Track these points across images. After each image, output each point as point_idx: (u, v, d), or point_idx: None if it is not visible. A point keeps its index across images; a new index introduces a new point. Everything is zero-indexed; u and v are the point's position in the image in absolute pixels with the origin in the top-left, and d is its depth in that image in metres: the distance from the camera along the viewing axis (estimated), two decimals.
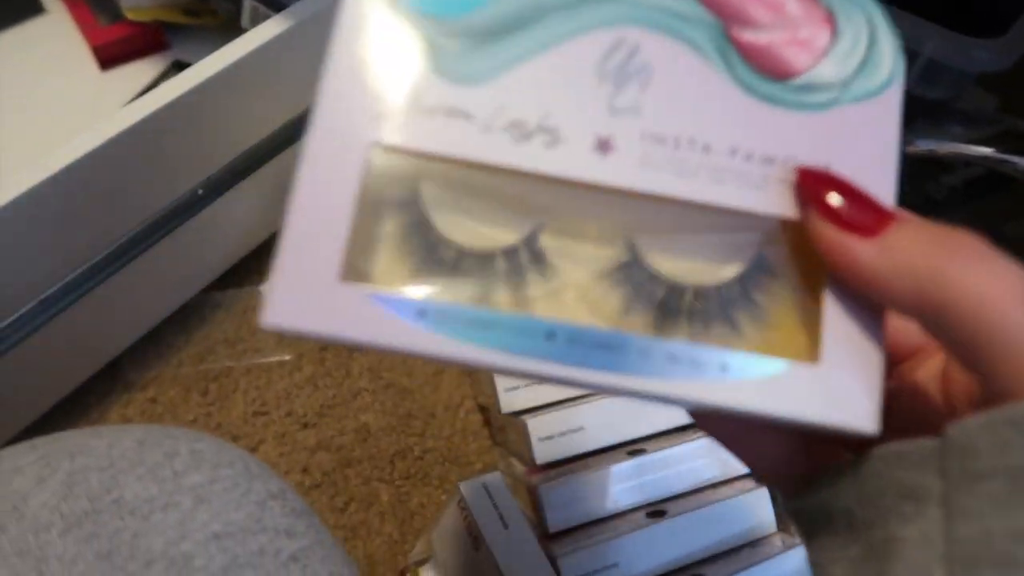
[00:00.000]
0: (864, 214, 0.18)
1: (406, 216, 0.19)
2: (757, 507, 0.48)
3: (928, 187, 0.60)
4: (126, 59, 0.68)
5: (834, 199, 0.19)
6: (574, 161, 0.19)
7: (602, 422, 0.50)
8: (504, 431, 0.56)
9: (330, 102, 0.19)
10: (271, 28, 0.51)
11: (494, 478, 0.48)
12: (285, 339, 0.62)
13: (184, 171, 0.52)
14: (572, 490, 0.48)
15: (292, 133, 0.56)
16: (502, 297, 0.19)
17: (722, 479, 0.50)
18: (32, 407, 0.57)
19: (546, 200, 0.20)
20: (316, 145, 0.19)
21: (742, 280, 0.20)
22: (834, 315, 0.19)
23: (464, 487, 0.47)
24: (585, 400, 0.52)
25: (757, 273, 0.20)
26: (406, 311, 0.18)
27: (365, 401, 0.61)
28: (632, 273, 0.20)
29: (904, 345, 0.21)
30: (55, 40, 0.68)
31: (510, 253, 0.19)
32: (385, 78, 0.19)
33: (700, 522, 0.47)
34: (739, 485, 0.49)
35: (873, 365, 0.19)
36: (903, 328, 0.21)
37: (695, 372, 0.19)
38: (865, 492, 0.18)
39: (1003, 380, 0.16)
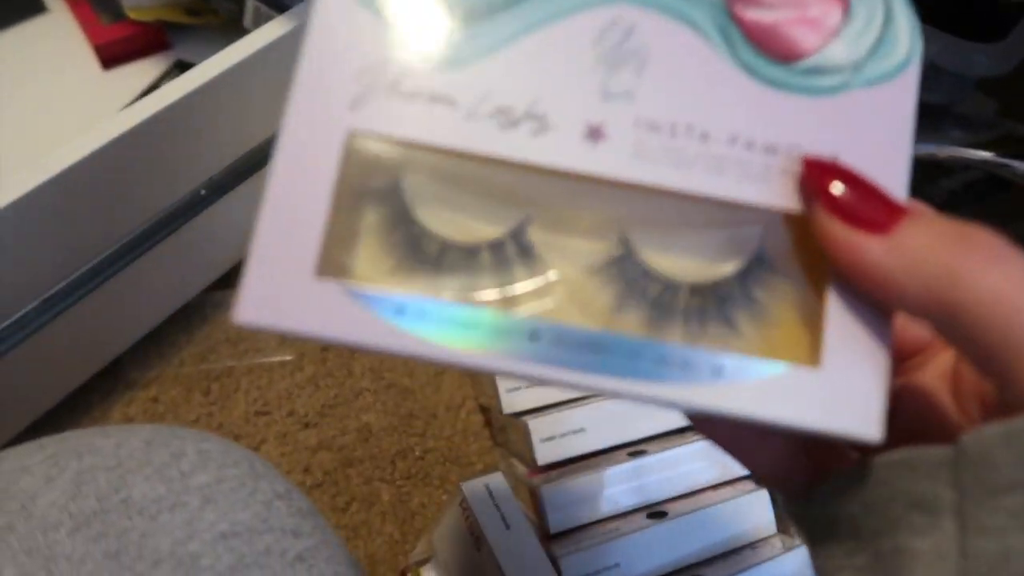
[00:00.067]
0: (874, 209, 0.17)
1: (387, 207, 0.18)
2: (757, 509, 0.48)
3: (928, 190, 0.60)
4: (128, 59, 0.68)
5: (841, 192, 0.18)
6: (563, 150, 0.18)
7: (603, 423, 0.50)
8: (505, 432, 0.57)
9: (305, 87, 0.18)
10: (274, 29, 0.51)
11: (496, 479, 0.48)
12: (287, 339, 0.62)
13: (186, 171, 0.52)
14: (573, 491, 0.48)
15: None
16: (487, 293, 0.18)
17: (723, 480, 0.50)
18: (35, 405, 0.57)
19: (534, 191, 0.19)
20: (291, 133, 0.18)
21: (741, 277, 0.19)
22: (838, 315, 0.18)
23: (466, 487, 0.47)
24: (586, 401, 0.52)
25: (757, 270, 0.19)
26: (384, 308, 0.17)
27: (367, 401, 0.61)
28: (625, 269, 0.19)
29: (909, 341, 0.20)
30: (57, 39, 0.68)
31: (496, 247, 0.19)
32: (363, 61, 0.18)
33: (701, 523, 0.47)
34: (739, 486, 0.50)
35: (878, 369, 0.18)
36: (908, 322, 0.20)
37: (687, 375, 0.18)
38: (871, 500, 0.17)
39: (1020, 387, 0.15)
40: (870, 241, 0.17)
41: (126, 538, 0.26)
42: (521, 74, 0.19)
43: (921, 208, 0.18)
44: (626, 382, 0.18)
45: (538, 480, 0.48)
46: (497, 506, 0.46)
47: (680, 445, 0.49)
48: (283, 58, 0.53)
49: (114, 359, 0.60)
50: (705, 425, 0.23)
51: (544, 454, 0.50)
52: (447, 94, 0.18)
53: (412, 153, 0.18)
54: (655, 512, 0.48)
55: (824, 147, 0.19)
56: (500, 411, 0.54)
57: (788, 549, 0.46)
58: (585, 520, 0.48)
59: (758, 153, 0.19)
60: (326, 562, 0.29)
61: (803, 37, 0.19)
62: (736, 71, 0.19)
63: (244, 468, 0.30)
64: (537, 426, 0.50)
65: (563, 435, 0.50)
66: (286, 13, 0.53)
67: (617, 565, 0.45)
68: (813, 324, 0.18)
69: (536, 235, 0.19)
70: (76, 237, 0.48)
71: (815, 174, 0.18)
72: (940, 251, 0.16)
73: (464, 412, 0.62)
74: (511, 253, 0.19)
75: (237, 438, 0.59)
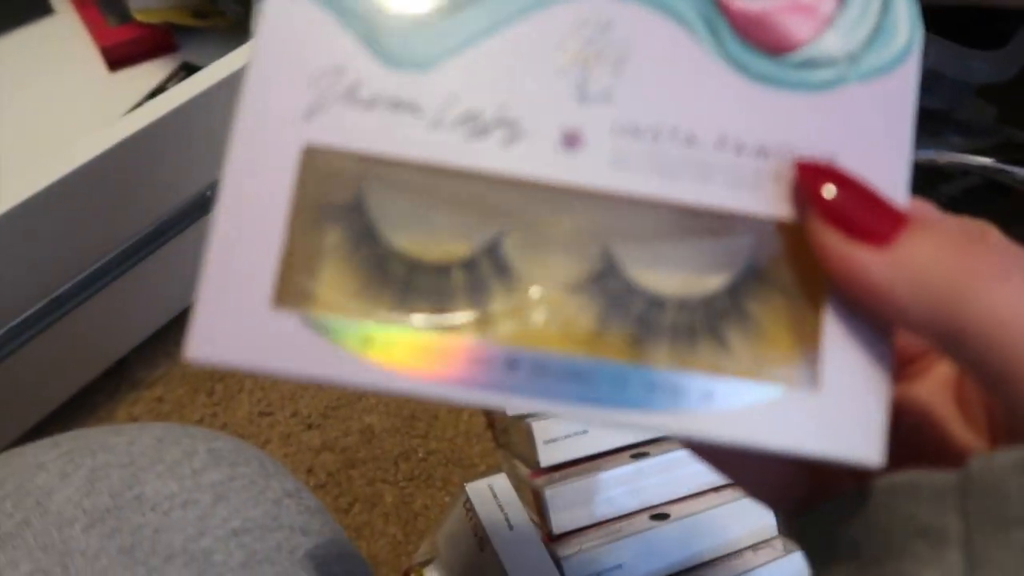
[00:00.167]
0: (873, 218, 0.16)
1: (350, 225, 0.17)
2: (759, 510, 0.48)
3: (928, 196, 0.61)
4: (135, 60, 0.68)
5: (838, 200, 0.16)
6: (537, 160, 0.17)
7: None
8: (508, 433, 0.57)
9: (254, 96, 0.16)
10: None
11: (499, 480, 0.48)
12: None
13: (194, 172, 0.52)
14: (576, 492, 0.48)
15: None
16: (461, 316, 0.17)
17: (725, 482, 0.50)
18: (42, 404, 0.57)
19: (509, 203, 0.17)
20: (240, 148, 0.16)
21: (732, 291, 0.18)
22: (835, 331, 0.17)
23: (470, 488, 0.48)
24: None
25: (749, 282, 0.18)
26: (347, 339, 0.16)
27: (369, 402, 0.62)
28: (608, 285, 0.17)
29: (910, 345, 0.19)
30: (64, 41, 0.69)
31: (469, 265, 0.17)
32: (315, 65, 0.17)
33: (703, 525, 0.47)
34: None
35: (878, 389, 0.17)
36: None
37: (676, 401, 0.17)
38: (873, 524, 0.16)
39: None
40: (869, 254, 0.16)
41: (140, 534, 0.26)
42: (490, 75, 0.17)
43: (924, 211, 0.17)
44: (612, 411, 0.16)
45: (541, 481, 0.49)
46: (501, 507, 0.47)
47: (682, 447, 0.50)
48: None
49: (120, 359, 0.60)
50: (695, 446, 0.21)
51: (547, 456, 0.50)
52: (410, 100, 0.17)
53: (375, 164, 0.17)
54: (657, 514, 0.48)
55: (819, 147, 0.17)
56: (503, 413, 0.54)
57: (789, 552, 0.47)
58: (588, 521, 0.48)
59: (748, 157, 0.17)
60: (335, 560, 0.30)
61: (795, 26, 0.18)
62: (723, 67, 0.17)
63: (255, 466, 0.30)
64: (540, 428, 0.50)
65: (566, 437, 0.50)
66: None
67: (619, 566, 0.46)
68: (809, 341, 0.17)
69: (512, 251, 0.17)
70: (83, 237, 0.49)
71: (810, 179, 0.17)
72: (944, 266, 0.15)
73: (467, 414, 0.62)
74: (485, 271, 0.17)
75: (241, 438, 0.59)
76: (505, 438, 0.58)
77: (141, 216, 0.51)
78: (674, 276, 0.18)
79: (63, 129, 0.63)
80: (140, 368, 0.61)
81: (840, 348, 0.17)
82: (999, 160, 0.56)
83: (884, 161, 0.17)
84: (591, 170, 0.17)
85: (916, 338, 0.16)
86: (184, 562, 0.26)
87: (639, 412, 0.17)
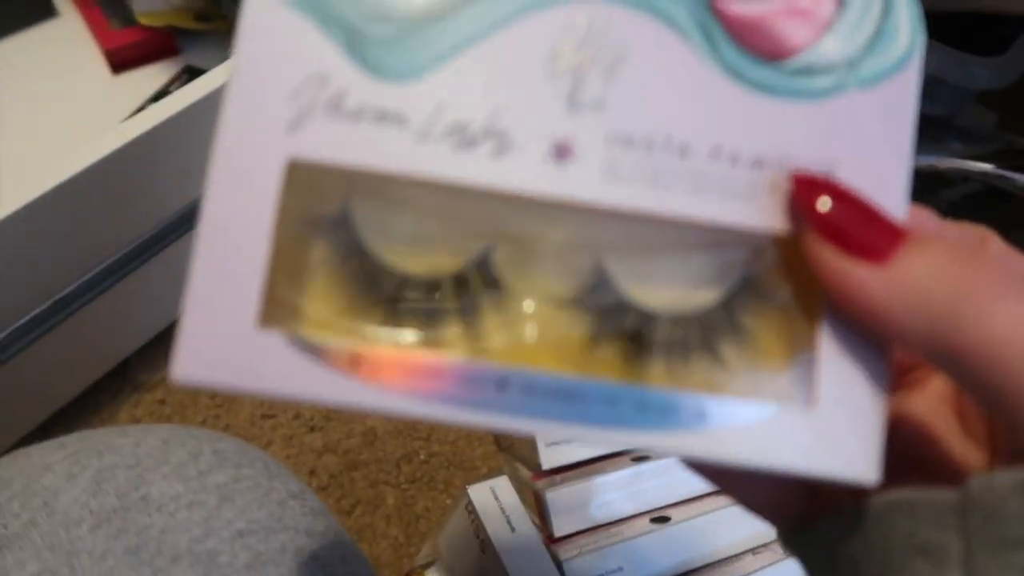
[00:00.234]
0: (870, 233, 0.16)
1: (337, 239, 0.16)
2: None
3: (928, 202, 0.61)
4: (138, 63, 0.69)
5: (835, 214, 0.16)
6: (527, 172, 0.16)
7: None
8: (510, 436, 0.57)
9: (236, 111, 0.16)
10: None
11: (501, 482, 0.48)
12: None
13: (197, 175, 0.52)
14: (577, 495, 0.48)
15: None
16: (451, 332, 0.16)
17: None
18: (46, 405, 0.57)
19: (498, 215, 0.17)
20: (222, 162, 0.16)
21: (727, 305, 0.17)
22: (832, 347, 0.17)
23: (472, 491, 0.48)
24: None
25: (744, 296, 0.17)
26: (335, 360, 0.16)
27: None
28: (600, 299, 0.17)
29: (904, 357, 0.19)
30: (67, 43, 0.69)
31: (459, 280, 0.17)
32: (298, 75, 0.16)
33: (703, 528, 0.47)
34: None
35: (874, 407, 0.16)
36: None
37: (668, 421, 0.16)
38: (872, 541, 0.16)
39: None
40: (866, 271, 0.15)
41: (146, 535, 0.26)
42: (478, 84, 0.16)
43: (923, 219, 0.17)
44: (603, 431, 0.16)
45: (543, 484, 0.49)
46: (502, 510, 0.47)
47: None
48: None
49: (123, 360, 0.60)
50: (690, 462, 0.21)
51: (549, 458, 0.50)
52: (396, 111, 0.16)
53: (361, 177, 0.16)
54: (658, 517, 0.49)
55: (817, 157, 0.17)
56: None
57: (789, 555, 0.47)
58: (589, 524, 0.48)
59: (743, 168, 0.17)
60: (340, 561, 0.30)
61: (792, 31, 0.17)
62: (718, 74, 0.17)
63: (259, 468, 0.30)
64: None
65: (568, 440, 0.51)
66: None
67: (620, 569, 0.46)
68: (805, 356, 0.17)
69: (502, 265, 0.17)
70: (86, 240, 0.49)
71: (805, 192, 0.16)
72: (941, 283, 0.15)
73: None
74: (475, 286, 0.17)
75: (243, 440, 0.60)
76: (507, 441, 0.59)
77: (144, 219, 0.51)
78: (667, 290, 0.17)
79: (67, 131, 0.64)
80: (142, 370, 0.61)
81: (836, 364, 0.17)
82: (1000, 166, 0.56)
83: (883, 171, 0.17)
84: (582, 183, 0.17)
85: (915, 355, 0.16)
86: (190, 563, 0.26)
87: (630, 432, 0.16)
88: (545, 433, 0.16)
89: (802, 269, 0.16)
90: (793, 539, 0.19)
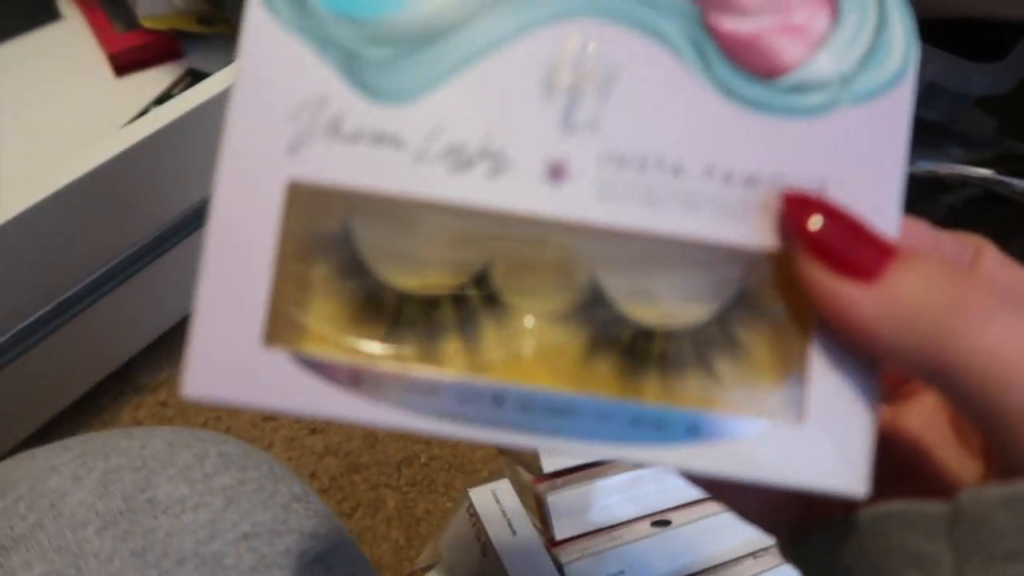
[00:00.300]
0: (860, 253, 0.16)
1: (339, 257, 0.17)
2: None
3: (928, 207, 0.61)
4: (141, 66, 0.69)
5: (825, 232, 0.16)
6: (522, 193, 0.17)
7: None
8: None
9: (237, 133, 0.16)
10: None
11: (502, 485, 0.48)
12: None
13: (199, 178, 0.53)
14: (579, 498, 0.48)
15: None
16: (450, 348, 0.17)
17: None
18: (47, 407, 0.58)
19: (495, 235, 0.17)
20: (225, 188, 0.16)
21: (720, 320, 0.17)
22: (822, 363, 0.17)
23: (473, 494, 0.48)
24: None
25: (737, 312, 0.17)
26: (337, 376, 0.16)
27: None
28: (595, 315, 0.17)
29: (893, 374, 0.19)
30: (71, 46, 0.69)
31: (459, 297, 0.17)
32: (297, 97, 0.16)
33: (704, 532, 0.48)
34: None
35: (864, 420, 0.17)
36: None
37: (661, 435, 0.17)
38: (865, 551, 0.16)
39: (1020, 450, 0.14)
40: (856, 290, 0.15)
41: (151, 537, 0.27)
42: (473, 106, 0.17)
43: (916, 232, 0.17)
44: (596, 445, 0.17)
45: (544, 487, 0.49)
46: (504, 513, 0.47)
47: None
48: None
49: (125, 362, 0.61)
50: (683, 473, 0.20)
51: (550, 462, 0.50)
52: (393, 133, 0.17)
53: (360, 197, 0.17)
54: (659, 520, 0.49)
55: (809, 175, 0.17)
56: None
57: (786, 563, 0.47)
58: (590, 527, 0.48)
59: (737, 186, 0.17)
60: (343, 564, 0.30)
61: (786, 48, 0.17)
62: (712, 92, 0.17)
63: (263, 471, 0.31)
64: None
65: (562, 454, 0.51)
66: None
67: (621, 572, 0.46)
68: (796, 370, 0.17)
69: (500, 282, 0.17)
70: (88, 242, 0.49)
71: (795, 211, 0.16)
72: (931, 302, 0.15)
73: None
74: (475, 302, 0.17)
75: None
76: None
77: (146, 221, 0.51)
78: (662, 306, 0.17)
79: (69, 134, 0.64)
80: (144, 372, 0.61)
81: (826, 379, 0.17)
82: (999, 171, 0.56)
83: (876, 186, 0.17)
84: (577, 203, 0.17)
85: (907, 373, 0.16)
86: (195, 565, 0.26)
87: (623, 446, 0.17)
88: (540, 447, 0.17)
89: (795, 284, 0.17)
90: (789, 548, 0.20)
